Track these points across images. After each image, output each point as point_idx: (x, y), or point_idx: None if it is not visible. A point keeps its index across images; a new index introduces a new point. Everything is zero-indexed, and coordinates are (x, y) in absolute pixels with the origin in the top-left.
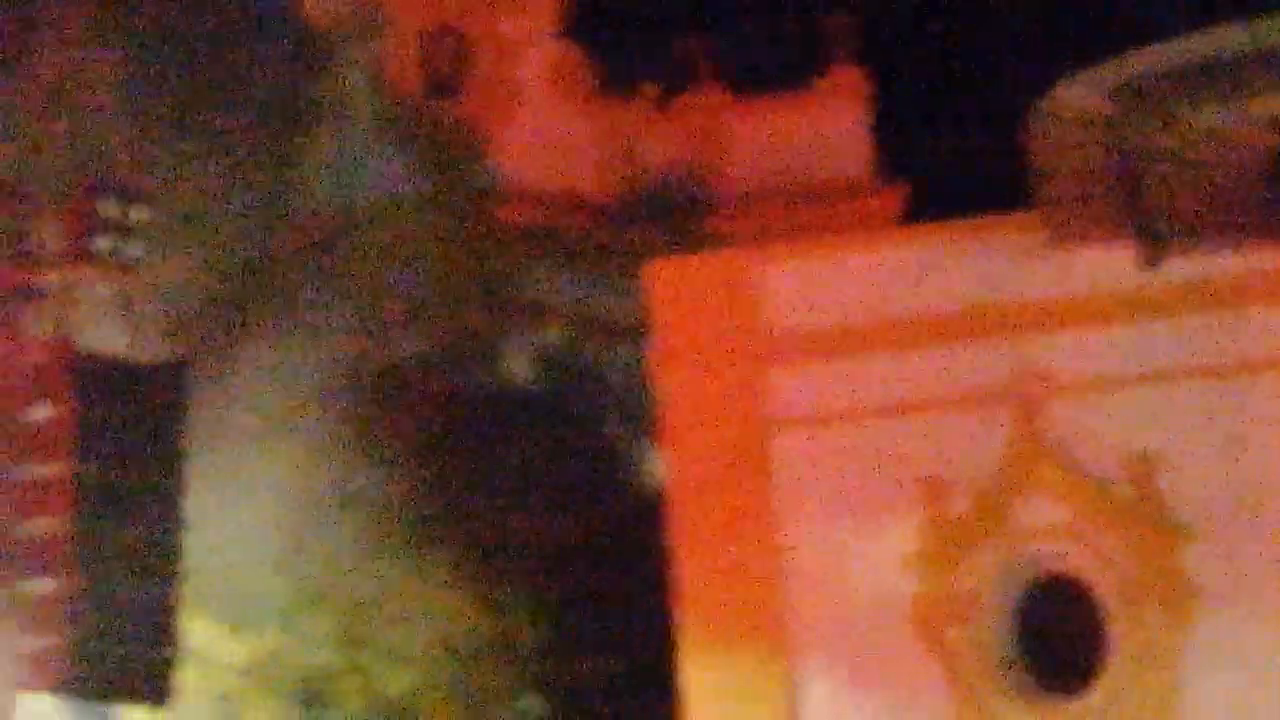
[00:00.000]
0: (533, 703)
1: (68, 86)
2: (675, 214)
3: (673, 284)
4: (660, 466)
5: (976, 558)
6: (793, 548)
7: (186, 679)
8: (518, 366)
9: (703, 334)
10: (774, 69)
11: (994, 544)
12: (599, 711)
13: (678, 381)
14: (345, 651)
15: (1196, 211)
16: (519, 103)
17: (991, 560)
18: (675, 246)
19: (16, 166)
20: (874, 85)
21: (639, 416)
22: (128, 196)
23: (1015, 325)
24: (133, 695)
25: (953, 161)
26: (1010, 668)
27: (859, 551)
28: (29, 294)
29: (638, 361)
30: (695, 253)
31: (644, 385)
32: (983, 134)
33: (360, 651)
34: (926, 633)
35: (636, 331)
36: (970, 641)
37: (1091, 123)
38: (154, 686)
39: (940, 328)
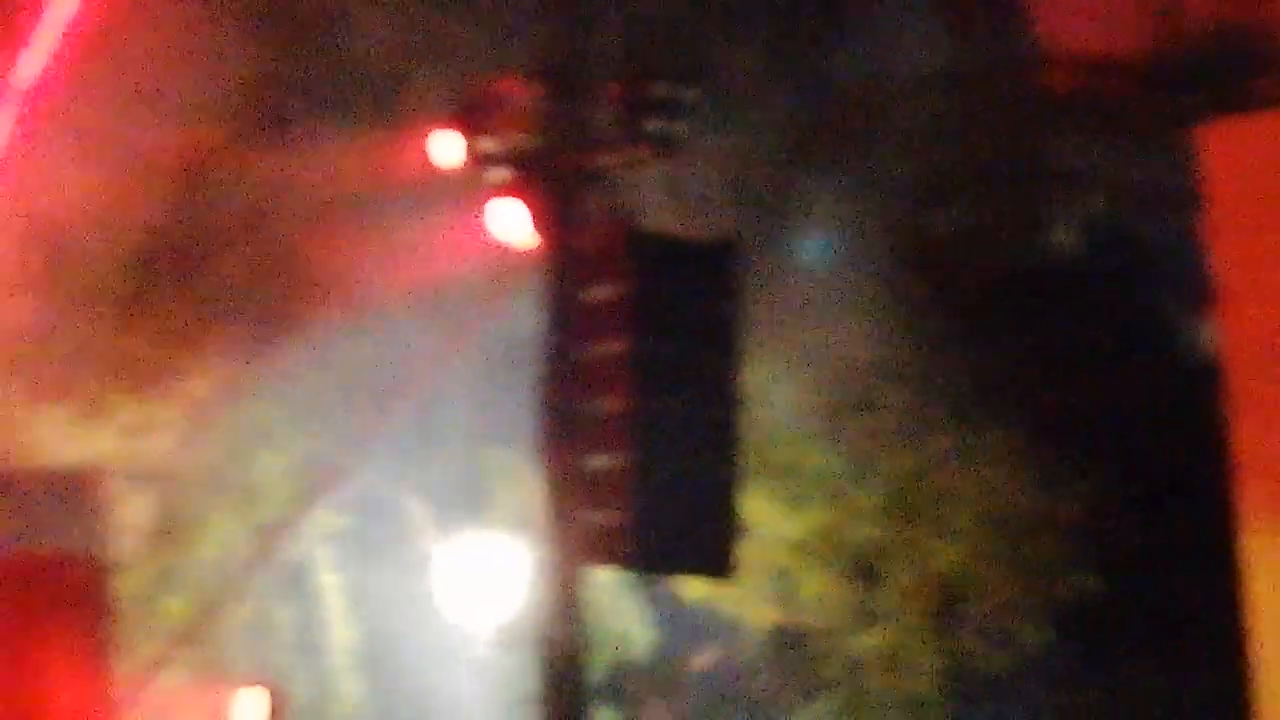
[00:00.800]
0: (1086, 578)
1: None
2: (1222, 75)
3: (1227, 148)
4: (1212, 336)
5: None
6: None
7: (743, 553)
8: (1060, 237)
9: (1260, 199)
10: None
11: None
12: (1153, 586)
13: (1233, 249)
14: (895, 525)
15: None
16: None
17: None
18: (1223, 109)
19: (573, 54)
20: None
21: (1188, 286)
22: (678, 77)
23: None
24: (695, 568)
25: None
26: None
27: None
28: (587, 177)
29: (1184, 229)
30: (1248, 115)
31: (1193, 253)
32: None
33: (910, 525)
34: None
35: (1183, 199)
36: None
37: None
38: (715, 559)
39: None
